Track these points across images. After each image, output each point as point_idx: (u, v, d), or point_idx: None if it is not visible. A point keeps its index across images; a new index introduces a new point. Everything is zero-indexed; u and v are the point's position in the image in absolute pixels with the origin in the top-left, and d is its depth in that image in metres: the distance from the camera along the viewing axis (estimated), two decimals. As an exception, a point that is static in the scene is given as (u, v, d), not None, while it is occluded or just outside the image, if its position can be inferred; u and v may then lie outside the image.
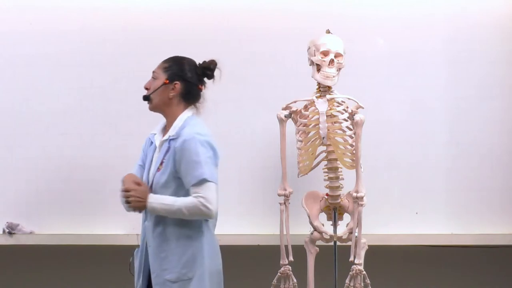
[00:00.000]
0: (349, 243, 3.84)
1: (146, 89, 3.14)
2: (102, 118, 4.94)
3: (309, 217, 3.97)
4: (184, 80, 3.09)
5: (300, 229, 4.10)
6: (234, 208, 4.81)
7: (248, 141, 4.88)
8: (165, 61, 3.15)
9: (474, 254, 4.80)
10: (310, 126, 3.87)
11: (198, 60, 3.25)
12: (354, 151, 3.80)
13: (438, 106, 4.88)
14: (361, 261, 3.81)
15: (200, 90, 3.15)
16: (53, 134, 4.95)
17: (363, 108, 3.80)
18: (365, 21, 4.81)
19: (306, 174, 3.98)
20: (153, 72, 3.14)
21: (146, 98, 3.12)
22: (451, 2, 4.87)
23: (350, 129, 3.83)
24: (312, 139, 3.90)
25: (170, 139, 3.01)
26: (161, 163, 3.01)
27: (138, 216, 3.21)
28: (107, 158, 4.77)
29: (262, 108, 4.73)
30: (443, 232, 4.88)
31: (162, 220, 3.01)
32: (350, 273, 3.79)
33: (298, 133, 3.93)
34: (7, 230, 5.06)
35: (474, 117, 4.87)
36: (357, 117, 3.74)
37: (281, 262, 3.94)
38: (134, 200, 2.98)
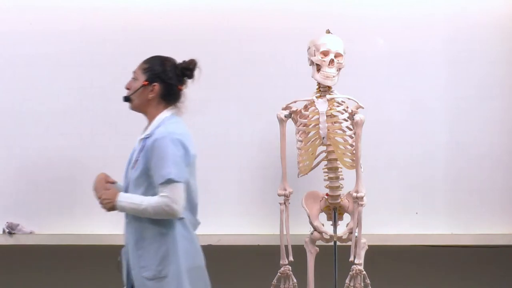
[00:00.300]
0: (349, 243, 3.83)
1: (127, 89, 3.12)
2: (102, 118, 4.94)
3: (309, 217, 3.96)
4: (163, 81, 3.06)
5: (300, 229, 4.09)
6: (234, 208, 4.81)
7: (248, 141, 4.87)
8: (145, 62, 3.11)
9: (474, 254, 4.80)
10: (310, 126, 3.86)
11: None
12: (354, 151, 3.79)
13: (438, 106, 4.88)
14: (361, 261, 3.80)
15: (180, 90, 3.12)
16: (53, 134, 4.95)
17: (363, 108, 3.79)
18: (365, 21, 4.82)
19: (306, 174, 3.97)
20: (133, 72, 3.11)
21: (126, 99, 3.10)
22: (451, 2, 4.87)
23: (350, 129, 3.82)
24: (312, 139, 3.90)
25: (145, 138, 3.02)
26: (136, 161, 3.02)
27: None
28: (107, 158, 4.76)
29: (262, 108, 4.73)
30: (443, 232, 4.88)
31: (138, 218, 3.01)
32: (350, 273, 3.78)
33: (298, 133, 3.92)
34: (7, 230, 5.06)
35: (474, 117, 4.87)
36: (357, 117, 3.73)
37: (281, 262, 3.93)
38: (105, 203, 3.01)
